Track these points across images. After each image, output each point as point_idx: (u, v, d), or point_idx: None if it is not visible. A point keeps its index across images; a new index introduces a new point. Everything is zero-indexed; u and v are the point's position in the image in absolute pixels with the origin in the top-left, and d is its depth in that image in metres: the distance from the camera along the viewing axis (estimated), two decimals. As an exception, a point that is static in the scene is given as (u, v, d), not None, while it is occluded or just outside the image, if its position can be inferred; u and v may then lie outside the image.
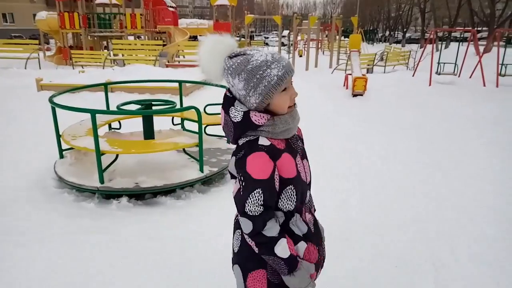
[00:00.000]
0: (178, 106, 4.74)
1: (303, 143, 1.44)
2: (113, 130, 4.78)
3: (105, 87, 4.75)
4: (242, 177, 1.23)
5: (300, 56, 22.95)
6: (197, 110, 3.51)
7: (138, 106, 4.15)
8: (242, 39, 22.80)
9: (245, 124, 1.25)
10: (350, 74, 9.89)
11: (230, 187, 3.82)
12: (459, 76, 11.89)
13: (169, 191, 3.53)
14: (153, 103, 4.22)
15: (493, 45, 18.03)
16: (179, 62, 14.90)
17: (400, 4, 45.99)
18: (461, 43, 15.83)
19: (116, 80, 9.18)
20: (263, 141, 1.25)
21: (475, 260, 2.69)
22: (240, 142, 1.28)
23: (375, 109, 7.78)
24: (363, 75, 9.36)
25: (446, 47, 21.79)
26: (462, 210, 3.46)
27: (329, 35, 24.32)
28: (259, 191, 1.21)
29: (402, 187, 3.96)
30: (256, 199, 1.21)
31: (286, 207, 1.32)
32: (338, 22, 20.65)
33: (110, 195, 3.45)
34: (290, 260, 1.25)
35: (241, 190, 1.23)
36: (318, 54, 18.43)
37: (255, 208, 1.21)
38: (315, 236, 1.41)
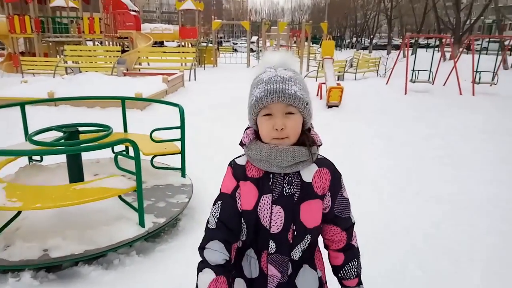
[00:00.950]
0: (119, 130, 3.77)
1: (302, 191, 1.17)
2: (33, 162, 3.74)
3: (22, 107, 3.68)
4: None
5: (270, 62, 22.21)
6: (133, 144, 2.56)
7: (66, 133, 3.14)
8: (210, 45, 21.84)
9: (241, 138, 1.21)
10: (323, 83, 9.18)
11: (185, 241, 2.89)
12: (433, 84, 11.49)
13: (95, 256, 2.55)
14: (80, 129, 3.22)
15: (459, 51, 18.06)
16: (139, 70, 13.73)
17: (367, 11, 46.56)
18: (425, 49, 15.82)
19: (62, 91, 8.07)
20: (241, 159, 1.24)
21: None
22: None
23: (354, 124, 7.02)
24: (337, 84, 8.66)
25: (412, 53, 21.82)
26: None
27: (298, 41, 23.87)
28: (219, 204, 1.21)
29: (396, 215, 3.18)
30: (214, 211, 1.21)
31: (241, 235, 1.23)
32: (308, 28, 20.15)
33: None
34: None
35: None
36: (287, 61, 17.74)
37: (211, 220, 1.21)
38: None
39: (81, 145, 2.95)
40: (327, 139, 5.65)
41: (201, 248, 1.17)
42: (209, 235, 1.18)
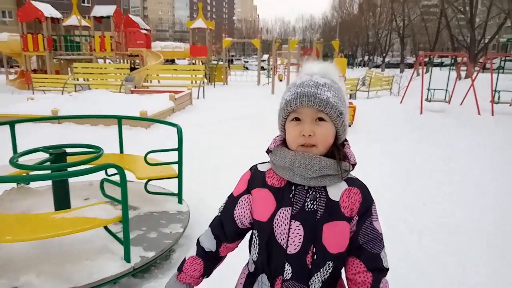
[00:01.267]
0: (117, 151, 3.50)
1: (327, 210, 1.03)
2: (20, 184, 3.48)
3: (11, 126, 3.44)
4: None
5: (280, 80, 22.13)
6: (119, 169, 2.27)
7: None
8: (220, 62, 21.83)
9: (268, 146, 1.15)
10: (335, 102, 8.86)
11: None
12: (449, 103, 11.09)
13: (74, 295, 2.23)
14: (69, 150, 2.95)
15: (474, 70, 17.63)
16: (147, 88, 13.64)
17: (378, 30, 46.55)
18: (439, 68, 15.50)
19: (67, 108, 7.93)
20: (263, 166, 1.16)
21: None
22: None
23: (369, 145, 6.62)
24: (350, 103, 8.34)
25: (426, 71, 21.45)
26: None
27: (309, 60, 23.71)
28: (227, 201, 1.20)
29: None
30: (222, 205, 1.21)
31: (251, 253, 1.15)
32: (319, 46, 20.03)
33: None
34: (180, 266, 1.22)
35: None
36: (298, 79, 17.57)
37: (219, 210, 1.22)
38: None
39: (63, 171, 2.66)
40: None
41: (208, 227, 1.23)
42: (212, 223, 1.23)
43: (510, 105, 10.78)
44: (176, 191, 3.33)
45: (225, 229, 1.17)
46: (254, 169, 1.16)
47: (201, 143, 6.42)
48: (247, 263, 1.21)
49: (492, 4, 22.32)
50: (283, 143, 1.11)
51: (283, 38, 51.07)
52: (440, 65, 34.41)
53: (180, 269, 1.21)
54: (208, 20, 23.19)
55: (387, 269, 1.09)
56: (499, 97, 10.46)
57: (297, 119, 1.04)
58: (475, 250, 3.15)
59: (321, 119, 1.02)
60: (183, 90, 10.37)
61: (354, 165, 1.08)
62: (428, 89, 10.80)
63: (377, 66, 43.03)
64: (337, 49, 19.07)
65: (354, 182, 1.09)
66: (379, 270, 1.07)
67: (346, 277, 1.11)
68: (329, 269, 1.05)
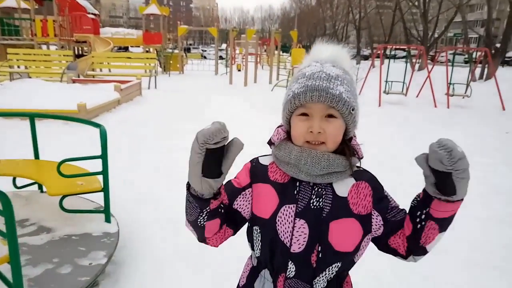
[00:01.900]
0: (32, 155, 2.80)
1: (334, 207, 0.98)
2: None
3: None
4: None
5: (239, 70, 21.58)
6: (2, 196, 1.64)
7: None
8: (175, 51, 20.84)
9: (271, 137, 1.07)
10: (294, 94, 8.47)
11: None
12: (406, 95, 11.08)
13: None
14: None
15: (427, 62, 18.03)
16: (93, 77, 12.55)
17: (336, 22, 47.01)
18: (393, 60, 15.72)
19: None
20: (265, 159, 1.09)
21: None
22: None
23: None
24: (309, 95, 7.97)
25: (382, 63, 21.82)
26: None
27: (268, 50, 23.32)
28: (227, 184, 1.05)
29: None
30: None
31: (254, 249, 1.06)
32: (277, 36, 19.60)
33: None
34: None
35: None
36: (257, 69, 17.11)
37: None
38: None
39: None
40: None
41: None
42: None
43: (463, 98, 10.94)
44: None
45: (229, 213, 1.03)
46: (255, 162, 1.09)
47: (144, 142, 5.75)
48: (250, 256, 1.14)
49: (444, -2, 22.94)
50: (288, 135, 1.03)
51: (242, 28, 50.29)
52: (394, 57, 35.29)
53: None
54: (163, 6, 22.05)
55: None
56: (453, 89, 10.56)
57: (305, 114, 0.96)
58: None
59: (331, 115, 0.95)
60: (131, 80, 9.53)
61: (362, 158, 1.02)
62: (386, 81, 10.70)
63: (334, 58, 43.49)
64: (296, 39, 18.72)
65: (361, 176, 1.03)
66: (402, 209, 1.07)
67: (402, 250, 1.03)
68: (336, 268, 1.01)
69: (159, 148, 5.46)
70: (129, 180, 4.08)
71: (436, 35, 24.46)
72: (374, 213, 1.01)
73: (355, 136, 1.04)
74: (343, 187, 1.00)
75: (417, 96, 11.47)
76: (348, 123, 0.96)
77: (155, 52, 19.82)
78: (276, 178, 1.02)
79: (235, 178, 1.09)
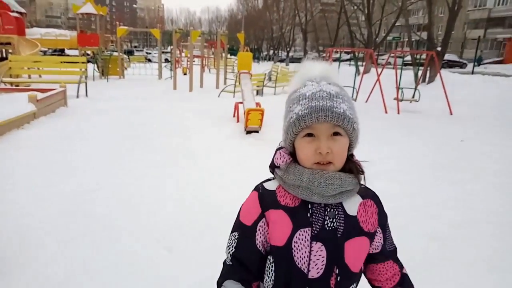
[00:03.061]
0: None
1: (347, 226, 0.99)
2: None
3: None
4: None
5: (185, 74, 20.56)
6: None
7: None
8: (114, 53, 19.38)
9: (272, 159, 1.06)
10: (240, 103, 7.77)
11: None
12: (355, 100, 10.82)
13: None
14: None
15: (371, 66, 18.23)
16: (11, 84, 10.98)
17: (282, 24, 47.22)
18: (338, 63, 15.66)
19: None
20: (271, 184, 1.06)
21: None
22: None
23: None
24: (257, 104, 7.29)
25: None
26: None
27: (215, 53, 22.55)
28: (235, 235, 1.04)
29: None
30: (230, 244, 1.05)
31: (265, 281, 1.03)
32: (224, 38, 18.89)
33: None
34: None
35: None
36: (203, 73, 16.26)
37: (227, 253, 1.05)
38: None
39: None
40: (245, 177, 4.10)
41: (219, 284, 1.02)
42: (225, 271, 1.03)
43: (411, 102, 10.89)
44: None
45: (249, 266, 1.00)
46: (261, 189, 1.05)
47: (58, 171, 4.75)
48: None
49: (387, 2, 23.49)
50: (293, 158, 1.02)
51: (188, 29, 49.06)
52: (339, 60, 35.91)
53: None
54: (101, 5, 20.41)
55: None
56: (402, 94, 10.43)
57: (310, 134, 0.96)
58: None
59: (336, 133, 0.95)
60: (53, 88, 8.28)
61: (363, 174, 1.03)
62: (336, 86, 10.35)
63: (281, 61, 43.63)
64: (243, 42, 18.13)
65: (367, 193, 1.06)
66: (401, 264, 1.11)
67: (376, 280, 1.10)
68: None
69: (78, 181, 4.49)
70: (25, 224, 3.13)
71: (379, 39, 25.03)
72: (379, 230, 1.05)
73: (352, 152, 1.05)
74: (353, 205, 1.01)
75: (366, 101, 11.28)
76: (352, 139, 0.98)
77: (92, 54, 18.29)
78: (287, 203, 1.00)
79: (241, 215, 1.05)
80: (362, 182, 1.02)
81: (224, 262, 1.05)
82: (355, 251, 0.99)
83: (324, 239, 0.96)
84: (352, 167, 1.00)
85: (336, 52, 14.22)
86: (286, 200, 1.00)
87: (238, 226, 1.04)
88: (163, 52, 33.41)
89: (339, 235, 0.97)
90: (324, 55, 11.76)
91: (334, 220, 0.97)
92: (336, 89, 0.97)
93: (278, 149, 1.05)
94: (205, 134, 6.73)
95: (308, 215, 0.97)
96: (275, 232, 0.98)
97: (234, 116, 8.13)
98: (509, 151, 6.21)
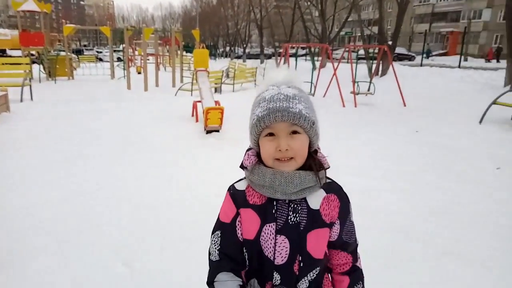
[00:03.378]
0: None
1: (309, 219, 1.09)
2: None
3: None
4: None
5: (139, 73, 19.87)
6: None
7: None
8: (62, 53, 18.33)
9: (242, 160, 1.13)
10: (199, 101, 7.56)
11: None
12: (313, 95, 10.93)
13: None
14: None
15: (327, 60, 18.54)
16: None
17: (238, 21, 46.99)
18: (295, 58, 15.89)
19: None
20: (241, 184, 1.16)
21: None
22: None
23: (237, 152, 5.53)
24: (216, 102, 7.13)
25: (285, 62, 22.02)
26: None
27: (169, 50, 21.97)
28: (218, 234, 1.15)
29: None
30: (215, 241, 1.15)
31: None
32: (178, 35, 18.43)
33: None
34: None
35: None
36: (158, 71, 15.76)
37: (212, 251, 1.15)
38: None
39: None
40: (208, 178, 3.91)
41: (210, 283, 1.12)
42: (215, 267, 1.13)
43: (366, 95, 11.16)
44: None
45: (236, 257, 1.12)
46: (232, 189, 1.16)
47: None
48: None
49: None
50: (258, 157, 1.10)
51: (141, 27, 47.49)
52: (295, 55, 36.33)
53: None
54: (44, 2, 19.16)
55: (358, 243, 1.22)
56: (358, 87, 10.64)
57: (271, 134, 1.04)
58: None
59: (295, 132, 1.03)
60: (-6, 92, 7.61)
61: (328, 168, 1.10)
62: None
63: (238, 57, 43.43)
64: (198, 39, 17.78)
65: (331, 188, 1.12)
66: (355, 248, 1.21)
67: (329, 263, 1.20)
68: (316, 271, 1.12)
69: (15, 194, 4.12)
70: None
71: (333, 34, 25.54)
72: (337, 222, 1.12)
73: (319, 148, 1.13)
74: (316, 199, 1.09)
75: (324, 96, 11.43)
76: (311, 136, 1.06)
77: (37, 54, 17.17)
78: (254, 201, 1.10)
79: (220, 216, 1.16)
80: (325, 177, 1.09)
81: (210, 261, 1.14)
82: (317, 241, 1.09)
83: (287, 233, 1.07)
84: (312, 164, 1.07)
85: (292, 47, 14.27)
86: (254, 199, 1.09)
87: (219, 225, 1.14)
88: (114, 51, 32.17)
89: (301, 228, 1.07)
90: (281, 50, 11.77)
91: (297, 215, 1.07)
92: (294, 91, 1.05)
93: (247, 150, 1.13)
94: (163, 136, 6.47)
95: (273, 211, 1.08)
96: (246, 227, 1.10)
97: (192, 115, 7.90)
98: (457, 142, 6.47)
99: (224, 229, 1.13)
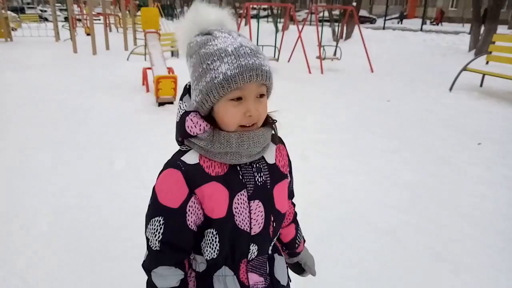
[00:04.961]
0: None
1: (271, 174, 1.01)
2: None
3: None
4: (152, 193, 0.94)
5: (88, 34, 18.11)
6: None
7: None
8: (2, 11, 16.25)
9: (181, 128, 0.92)
10: (149, 68, 6.70)
11: None
12: (277, 61, 10.25)
13: None
14: None
15: (290, 22, 17.72)
16: None
17: (195, -22, 44.39)
18: (258, 20, 14.89)
19: None
20: (190, 157, 0.92)
21: None
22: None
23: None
24: (169, 69, 6.31)
25: (246, 24, 20.83)
26: None
27: (121, 9, 20.20)
28: (159, 220, 0.91)
29: None
30: (154, 229, 0.92)
31: (207, 253, 0.98)
32: (130, -8, 16.85)
33: None
34: None
35: (149, 206, 0.95)
36: (108, 33, 14.37)
37: (152, 239, 0.93)
38: None
39: None
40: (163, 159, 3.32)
41: (148, 270, 0.97)
42: (153, 258, 0.95)
43: (332, 60, 10.65)
44: None
45: (180, 246, 0.94)
46: (183, 165, 0.91)
47: None
48: (189, 266, 1.03)
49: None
50: (212, 124, 0.90)
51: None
52: (257, 17, 34.95)
53: None
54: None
55: None
56: (324, 52, 10.07)
57: (239, 97, 0.86)
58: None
59: (262, 95, 0.90)
60: None
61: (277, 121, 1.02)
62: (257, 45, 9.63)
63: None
64: (152, -3, 16.33)
65: (276, 138, 1.06)
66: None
67: None
68: (280, 228, 1.09)
69: None
70: None
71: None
72: (287, 170, 1.09)
73: None
74: (270, 154, 1.02)
75: (288, 61, 10.79)
76: (268, 96, 0.95)
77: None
78: (217, 172, 0.93)
79: (160, 198, 0.91)
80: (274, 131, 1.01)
81: (150, 248, 0.95)
82: (282, 195, 1.04)
83: (259, 195, 0.97)
84: (268, 119, 0.97)
85: (254, 8, 13.33)
86: (215, 170, 0.92)
87: (161, 210, 0.91)
88: (61, 10, 29.25)
89: (268, 186, 0.99)
90: (242, 11, 10.93)
91: (261, 174, 0.99)
92: (252, 43, 0.90)
93: (184, 113, 0.91)
94: (107, 109, 5.64)
95: (240, 177, 0.95)
96: (213, 205, 0.92)
97: (143, 84, 7.04)
98: (431, 113, 6.15)
99: (168, 216, 0.91)
